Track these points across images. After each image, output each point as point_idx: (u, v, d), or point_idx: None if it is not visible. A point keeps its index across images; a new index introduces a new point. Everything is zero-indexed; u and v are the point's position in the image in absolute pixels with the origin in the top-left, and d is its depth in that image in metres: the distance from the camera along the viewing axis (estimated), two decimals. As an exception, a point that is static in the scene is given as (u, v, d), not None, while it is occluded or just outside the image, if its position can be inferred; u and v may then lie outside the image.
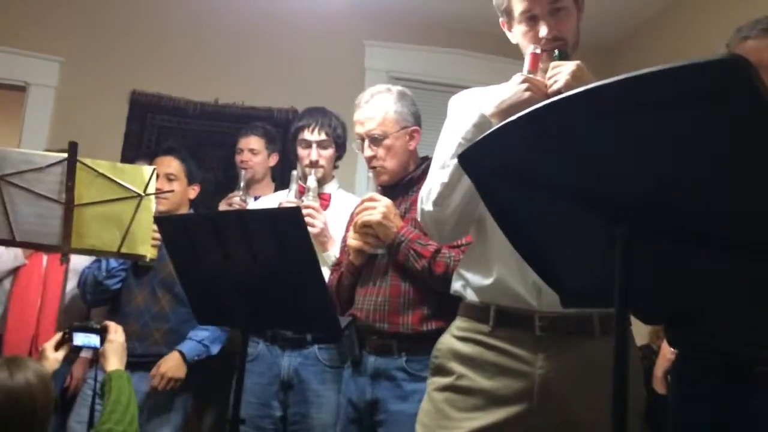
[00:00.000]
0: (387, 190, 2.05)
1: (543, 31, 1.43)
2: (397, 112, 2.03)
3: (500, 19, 1.54)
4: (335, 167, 2.53)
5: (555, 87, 1.33)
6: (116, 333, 1.84)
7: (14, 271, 2.73)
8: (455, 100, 1.59)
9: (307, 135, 2.41)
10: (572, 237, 1.02)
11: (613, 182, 0.88)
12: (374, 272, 1.95)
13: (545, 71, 1.39)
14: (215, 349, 2.54)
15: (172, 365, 2.46)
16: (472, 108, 1.43)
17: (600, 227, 0.91)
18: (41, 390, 1.44)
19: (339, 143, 2.46)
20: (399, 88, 2.10)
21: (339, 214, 2.31)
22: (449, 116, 1.56)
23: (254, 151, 3.07)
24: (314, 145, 2.40)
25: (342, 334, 2.19)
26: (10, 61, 3.65)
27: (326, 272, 2.21)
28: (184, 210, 2.69)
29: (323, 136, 2.40)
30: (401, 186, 2.03)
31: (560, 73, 1.34)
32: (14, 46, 3.66)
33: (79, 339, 1.84)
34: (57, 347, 1.82)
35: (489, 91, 1.50)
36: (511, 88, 1.38)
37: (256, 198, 2.93)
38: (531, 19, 1.45)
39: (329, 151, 2.43)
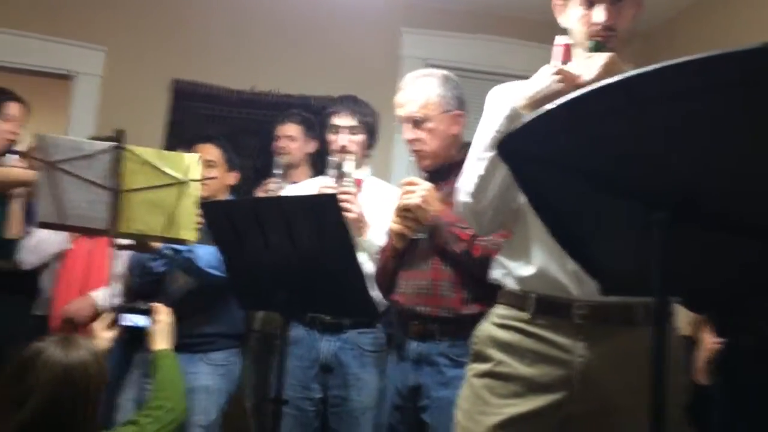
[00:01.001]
0: (430, 174, 2.05)
1: (599, 15, 1.40)
2: (439, 95, 2.01)
3: (554, 1, 1.51)
4: (367, 156, 2.56)
5: (586, 78, 1.32)
6: (163, 314, 1.90)
7: (61, 255, 2.82)
8: (493, 93, 1.59)
9: (336, 120, 2.45)
10: (610, 225, 1.03)
11: (651, 169, 0.89)
12: (416, 256, 1.97)
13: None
14: (214, 273, 2.39)
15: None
16: (505, 103, 1.44)
17: (638, 214, 0.92)
18: (94, 367, 1.50)
19: (370, 131, 2.48)
20: (443, 71, 2.08)
21: (371, 201, 2.33)
22: (486, 109, 1.57)
23: (292, 138, 3.11)
24: (344, 131, 2.43)
25: (379, 318, 2.23)
26: (56, 51, 3.75)
27: (363, 257, 2.25)
28: (223, 196, 2.73)
29: (353, 122, 2.43)
30: (444, 170, 2.02)
31: (592, 65, 1.33)
32: (61, 36, 3.76)
33: (127, 319, 1.91)
34: (107, 327, 1.88)
35: (525, 84, 1.50)
36: (543, 80, 1.37)
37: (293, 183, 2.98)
38: (591, 4, 1.42)
39: (359, 137, 2.45)
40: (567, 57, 1.41)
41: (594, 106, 0.89)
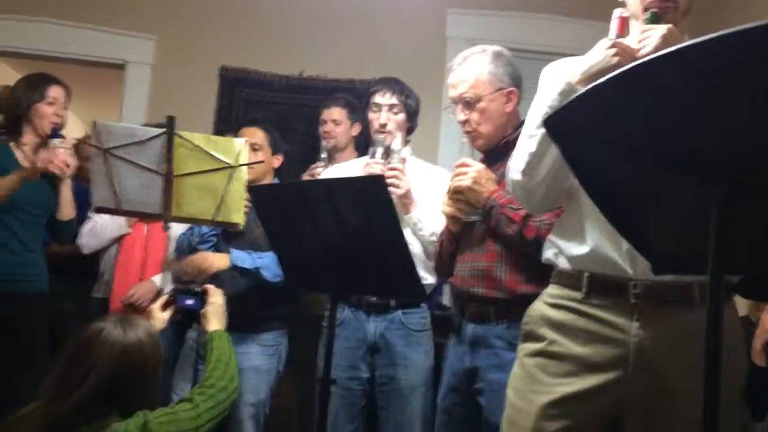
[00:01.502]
0: (485, 154, 2.02)
1: None
2: (490, 73, 1.96)
3: None
4: (407, 141, 2.56)
5: (644, 51, 1.29)
6: (216, 296, 1.94)
7: (119, 239, 2.91)
8: (547, 71, 1.56)
9: (377, 98, 2.46)
10: (664, 201, 1.00)
11: (709, 142, 0.86)
12: (471, 239, 1.95)
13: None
14: (268, 275, 2.50)
15: (214, 258, 2.52)
16: (560, 80, 1.41)
17: (695, 190, 0.89)
18: (151, 346, 1.55)
19: (410, 111, 2.48)
20: (495, 48, 2.02)
21: (412, 180, 2.33)
22: (540, 87, 1.54)
23: (336, 122, 3.12)
24: (384, 109, 2.43)
25: (426, 299, 2.24)
26: (109, 41, 3.85)
27: (408, 234, 2.24)
28: (269, 179, 2.76)
29: (393, 100, 2.44)
30: (498, 150, 1.98)
31: (650, 37, 1.29)
32: (113, 26, 3.85)
33: (182, 301, 1.96)
34: (163, 308, 1.94)
35: (579, 60, 1.47)
36: (599, 54, 1.35)
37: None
38: None
39: (400, 117, 2.46)
40: (623, 30, 1.38)
41: (649, 78, 0.87)
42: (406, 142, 2.56)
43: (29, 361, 2.47)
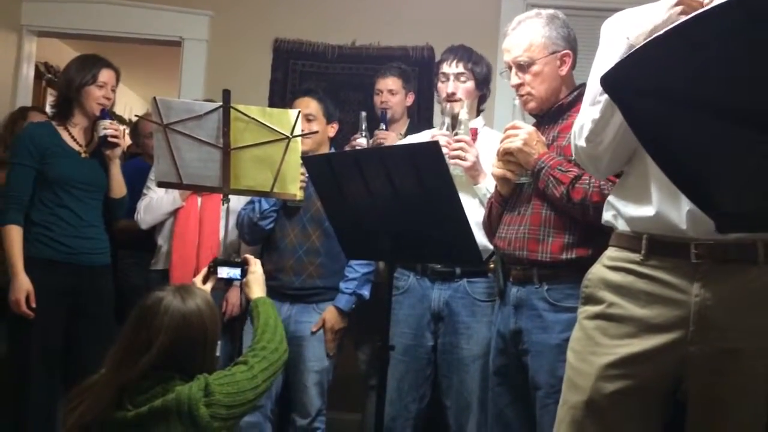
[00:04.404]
0: (537, 118, 2.00)
1: None
2: (545, 36, 1.94)
3: None
4: (481, 110, 2.52)
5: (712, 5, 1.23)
6: (256, 265, 1.99)
7: (174, 213, 2.99)
8: (607, 26, 1.51)
9: (445, 68, 2.44)
10: (728, 158, 0.97)
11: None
12: (519, 201, 1.95)
13: None
14: (366, 292, 2.67)
15: (334, 320, 2.64)
16: (620, 35, 1.36)
17: (759, 144, 0.85)
18: (209, 314, 1.61)
19: (479, 79, 2.44)
20: (550, 11, 2.00)
21: (485, 150, 2.29)
22: (601, 44, 1.49)
23: (393, 92, 3.10)
24: (452, 77, 2.41)
25: (483, 263, 2.23)
26: (166, 18, 3.92)
27: (478, 205, 2.24)
28: (325, 149, 2.78)
29: (461, 68, 2.41)
30: (551, 113, 1.98)
31: None
32: (169, 4, 3.92)
33: (223, 272, 2.00)
34: (204, 280, 1.99)
35: (642, 12, 1.41)
36: (663, 11, 1.29)
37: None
38: None
39: (468, 85, 2.42)
40: None
41: (707, 30, 0.83)
42: (479, 111, 2.53)
43: (96, 332, 2.58)
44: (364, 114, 2.98)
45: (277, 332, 1.75)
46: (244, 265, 2.00)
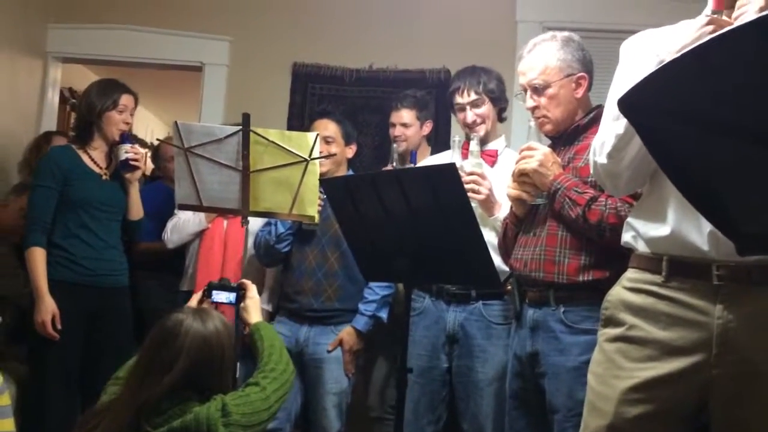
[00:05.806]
0: (553, 139, 2.01)
1: None
2: (560, 59, 1.95)
3: None
4: (501, 120, 2.53)
5: (742, 18, 1.22)
6: (253, 290, 2.01)
7: (199, 234, 3.03)
8: (627, 45, 1.51)
9: (458, 98, 2.45)
10: (748, 179, 0.96)
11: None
12: (535, 222, 1.94)
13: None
14: (384, 314, 2.67)
15: (352, 341, 2.64)
16: (648, 53, 1.36)
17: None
18: (227, 336, 1.64)
19: (494, 97, 2.45)
20: (565, 33, 2.01)
21: (505, 172, 2.29)
22: (621, 63, 1.49)
23: (406, 125, 3.04)
24: (467, 107, 2.42)
25: (501, 286, 2.21)
26: (187, 44, 4.00)
27: (494, 237, 2.20)
28: (343, 170, 2.80)
29: (473, 96, 2.41)
30: (567, 135, 1.98)
31: (748, 10, 1.22)
32: (189, 30, 4.00)
33: (218, 296, 2.00)
34: (198, 304, 2.00)
35: (664, 33, 1.41)
36: (694, 30, 1.28)
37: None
38: None
39: (483, 109, 2.43)
40: (720, 5, 1.30)
41: (726, 50, 0.83)
42: (501, 118, 2.52)
43: (114, 353, 2.57)
44: (395, 145, 2.97)
45: (283, 354, 1.78)
46: (239, 290, 2.01)
